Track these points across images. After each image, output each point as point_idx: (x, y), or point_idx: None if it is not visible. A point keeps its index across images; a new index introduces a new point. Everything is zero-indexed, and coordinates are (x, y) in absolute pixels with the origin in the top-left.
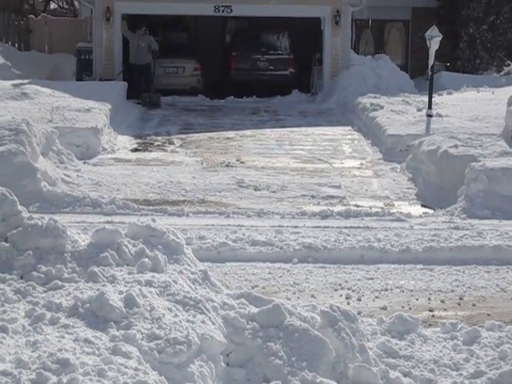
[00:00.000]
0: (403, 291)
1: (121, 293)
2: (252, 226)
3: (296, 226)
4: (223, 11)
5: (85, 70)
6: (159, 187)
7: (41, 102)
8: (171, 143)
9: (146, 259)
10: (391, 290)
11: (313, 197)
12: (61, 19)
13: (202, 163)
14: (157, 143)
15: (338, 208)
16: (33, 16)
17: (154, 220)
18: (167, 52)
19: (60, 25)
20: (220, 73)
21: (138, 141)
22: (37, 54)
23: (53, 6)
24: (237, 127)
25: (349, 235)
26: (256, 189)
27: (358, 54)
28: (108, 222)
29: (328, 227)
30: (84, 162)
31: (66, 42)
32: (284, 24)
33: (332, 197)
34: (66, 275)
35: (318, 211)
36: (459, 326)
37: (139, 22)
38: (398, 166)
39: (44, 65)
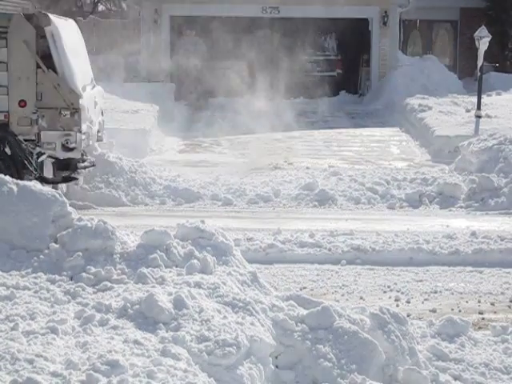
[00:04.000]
0: (453, 293)
1: (170, 294)
2: (299, 229)
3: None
4: (270, 12)
5: (133, 71)
6: (206, 188)
7: None
8: (219, 144)
9: (195, 261)
10: (440, 292)
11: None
12: (109, 21)
13: (249, 165)
14: (204, 144)
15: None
16: (81, 18)
17: (203, 221)
18: (215, 54)
19: (108, 27)
20: (267, 74)
21: (186, 142)
22: None
23: (101, 7)
24: (284, 128)
25: (398, 236)
26: (303, 189)
27: (405, 54)
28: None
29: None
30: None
31: (113, 44)
32: (331, 25)
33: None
34: (115, 276)
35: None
36: (510, 328)
37: (187, 24)
38: (447, 168)
39: (92, 67)
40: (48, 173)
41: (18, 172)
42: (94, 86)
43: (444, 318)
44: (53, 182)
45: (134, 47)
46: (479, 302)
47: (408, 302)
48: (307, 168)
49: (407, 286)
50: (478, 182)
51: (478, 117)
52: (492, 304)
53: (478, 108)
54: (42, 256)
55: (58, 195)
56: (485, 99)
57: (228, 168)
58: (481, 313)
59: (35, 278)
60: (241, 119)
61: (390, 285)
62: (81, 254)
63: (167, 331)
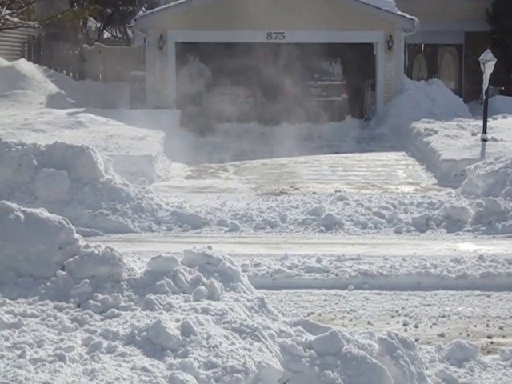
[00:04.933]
0: (461, 318)
1: (177, 321)
2: (307, 254)
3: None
4: (276, 38)
5: (138, 98)
6: (213, 214)
7: (95, 130)
8: (225, 170)
9: (203, 287)
10: (449, 316)
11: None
12: (114, 48)
13: (256, 190)
14: (210, 170)
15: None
16: (87, 45)
17: (210, 247)
18: (221, 80)
19: (113, 53)
20: (271, 100)
21: (192, 168)
22: (91, 82)
23: (106, 35)
24: (290, 153)
25: (405, 260)
26: (310, 214)
27: (411, 78)
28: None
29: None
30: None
31: (119, 71)
32: (336, 50)
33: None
34: (122, 303)
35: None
36: None
37: (192, 50)
38: (453, 192)
39: (98, 93)
40: None
41: None
42: None
43: (452, 342)
44: None
45: (140, 74)
46: (488, 326)
47: (416, 326)
48: (313, 193)
49: (415, 311)
50: (484, 205)
51: (484, 140)
52: (501, 328)
53: (484, 131)
54: (48, 283)
55: (64, 222)
56: (491, 123)
57: (234, 194)
58: (489, 337)
59: (42, 305)
60: (246, 145)
61: (397, 309)
62: (88, 281)
63: (175, 358)
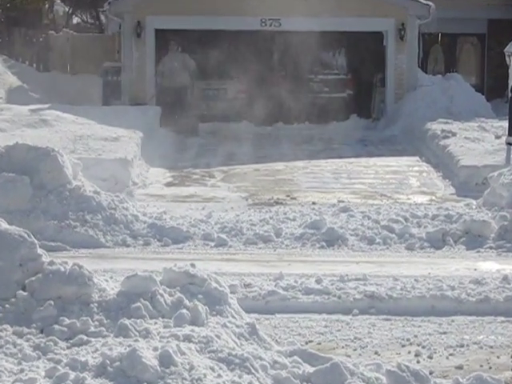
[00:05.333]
0: (482, 348)
1: (155, 349)
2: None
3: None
4: (271, 25)
5: (112, 93)
6: (197, 227)
7: (62, 129)
8: (211, 176)
9: (185, 310)
10: (468, 346)
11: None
12: (85, 35)
13: (247, 199)
14: (195, 176)
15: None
16: (53, 32)
17: (193, 265)
18: (205, 73)
19: (83, 42)
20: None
21: (174, 174)
22: (57, 75)
23: (76, 20)
24: (286, 158)
25: (418, 281)
26: (309, 228)
27: (426, 73)
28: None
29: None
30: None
31: (90, 62)
32: (341, 39)
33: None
34: (92, 329)
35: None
36: None
37: (175, 39)
38: (474, 203)
39: (66, 87)
40: None
41: None
42: None
43: (472, 375)
44: None
45: (114, 66)
46: None
47: (430, 357)
48: (313, 203)
49: (429, 339)
50: (509, 218)
51: (510, 144)
52: None
53: (510, 134)
54: (7, 305)
55: (26, 235)
56: None
57: (222, 203)
58: None
59: (0, 330)
60: (236, 147)
61: (409, 338)
62: (52, 302)
63: None
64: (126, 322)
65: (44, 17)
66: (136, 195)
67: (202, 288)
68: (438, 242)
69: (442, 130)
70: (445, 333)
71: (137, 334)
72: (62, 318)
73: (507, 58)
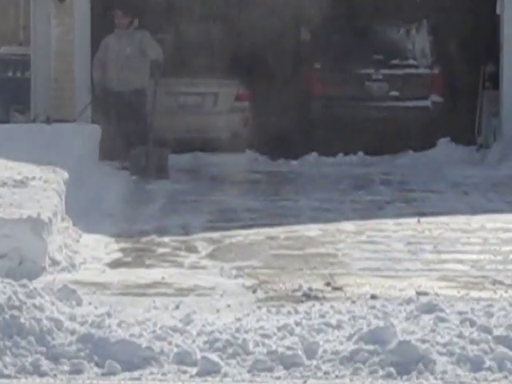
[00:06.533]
0: None
1: None
2: None
3: None
4: None
5: (13, 101)
6: (166, 340)
7: None
8: (191, 250)
9: None
10: None
11: None
12: None
13: (254, 291)
14: (162, 250)
15: None
16: None
17: None
18: (181, 66)
19: None
20: (289, 106)
21: (124, 245)
22: None
23: None
24: (325, 216)
25: None
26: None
27: None
28: None
29: None
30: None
31: None
32: (421, 5)
33: None
34: None
35: None
36: None
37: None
38: None
39: None
40: None
41: None
42: None
43: None
44: None
45: (18, 51)
46: None
47: None
48: (372, 298)
49: None
50: None
51: None
52: None
53: None
54: None
55: None
56: None
57: (210, 298)
58: None
59: None
60: (235, 197)
61: None
62: None
63: None
64: None
65: None
66: (58, 284)
67: None
68: None
69: None
70: None
71: None
72: None
73: None
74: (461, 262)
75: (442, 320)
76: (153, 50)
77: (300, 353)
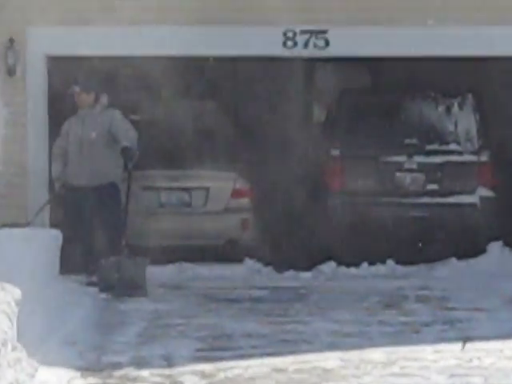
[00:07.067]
0: None
1: None
2: None
3: None
4: (306, 45)
5: None
6: None
7: None
8: None
9: None
10: None
11: None
12: None
13: None
14: None
15: None
16: None
17: None
18: (162, 154)
19: None
20: (299, 203)
21: (92, 381)
22: None
23: None
24: (346, 342)
25: None
26: None
27: None
28: None
29: None
30: None
31: None
32: (464, 74)
33: None
34: None
35: None
36: None
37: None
38: None
39: None
40: None
41: None
42: None
43: None
44: None
45: None
46: None
47: None
48: None
49: None
50: None
51: None
52: None
53: None
54: None
55: None
56: None
57: None
58: None
59: None
60: (232, 320)
61: None
62: None
63: None
64: None
65: None
66: None
67: None
68: None
69: None
70: None
71: None
72: None
73: None
74: None
75: None
76: (124, 135)
77: None
